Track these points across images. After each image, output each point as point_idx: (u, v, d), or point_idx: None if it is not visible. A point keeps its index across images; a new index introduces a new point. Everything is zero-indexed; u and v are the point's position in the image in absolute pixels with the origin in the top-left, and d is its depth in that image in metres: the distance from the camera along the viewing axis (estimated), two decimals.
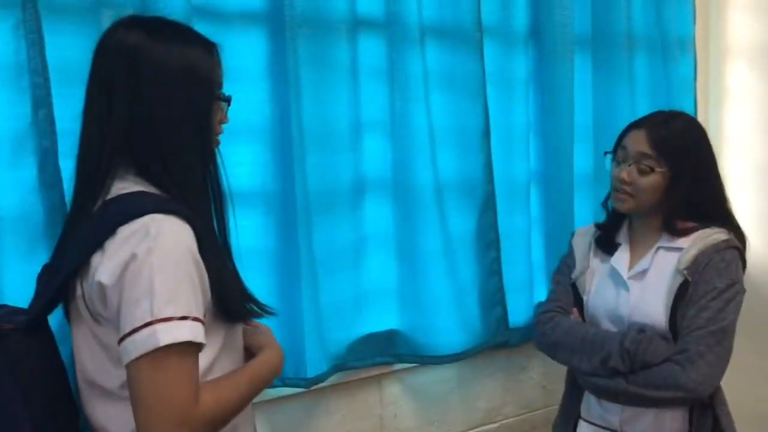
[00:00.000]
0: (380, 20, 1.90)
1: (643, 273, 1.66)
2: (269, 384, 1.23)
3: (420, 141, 1.94)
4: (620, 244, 1.74)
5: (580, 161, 2.25)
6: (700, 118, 2.61)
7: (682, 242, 1.63)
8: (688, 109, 2.53)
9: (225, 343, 1.13)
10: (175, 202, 1.05)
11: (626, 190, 1.65)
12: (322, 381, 1.80)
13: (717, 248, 1.59)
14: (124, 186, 1.07)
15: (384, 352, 1.96)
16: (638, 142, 1.64)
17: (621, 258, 1.71)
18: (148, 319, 0.96)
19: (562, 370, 1.89)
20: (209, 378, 1.08)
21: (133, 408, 0.97)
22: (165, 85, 1.06)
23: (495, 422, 2.27)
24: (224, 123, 1.20)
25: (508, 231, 2.13)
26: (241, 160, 1.71)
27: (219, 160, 1.19)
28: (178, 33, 1.13)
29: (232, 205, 1.21)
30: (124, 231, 1.00)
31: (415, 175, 1.94)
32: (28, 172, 1.43)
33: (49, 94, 1.41)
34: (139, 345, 0.96)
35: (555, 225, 2.20)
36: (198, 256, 1.03)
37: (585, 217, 2.25)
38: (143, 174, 1.08)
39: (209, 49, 1.15)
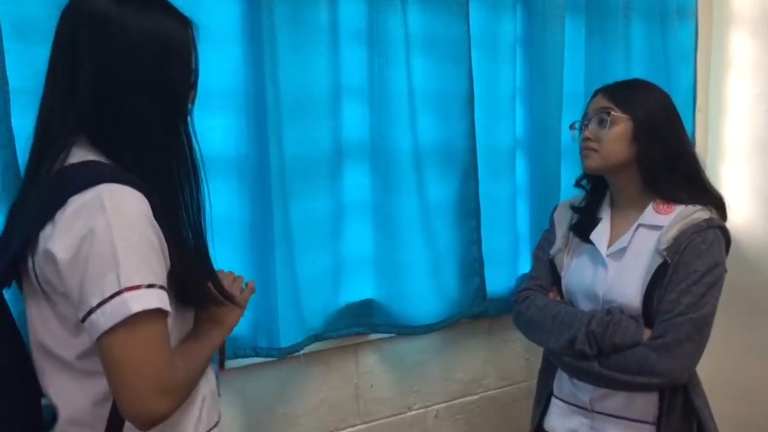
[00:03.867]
0: None
1: (622, 251, 1.69)
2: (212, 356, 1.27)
3: (400, 106, 1.96)
4: (600, 219, 1.77)
5: (569, 129, 2.27)
6: (700, 88, 2.65)
7: (663, 220, 1.65)
8: (687, 79, 2.58)
9: (174, 324, 1.15)
10: (131, 174, 1.07)
11: (590, 146, 1.70)
12: (296, 351, 1.86)
13: (698, 228, 1.60)
14: (81, 155, 1.09)
15: (359, 322, 2.02)
16: (597, 102, 1.73)
17: (601, 234, 1.74)
18: (116, 289, 0.98)
19: None
20: None
21: (110, 382, 1.01)
22: (134, 56, 1.07)
23: (475, 394, 2.35)
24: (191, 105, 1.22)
25: (491, 200, 2.17)
26: (214, 124, 1.74)
27: (193, 139, 1.19)
28: (153, 3, 1.13)
29: (205, 174, 1.22)
30: (76, 201, 1.02)
31: (394, 142, 1.97)
32: None
33: (0, 51, 1.42)
34: (109, 316, 0.98)
35: (541, 194, 2.24)
36: (155, 222, 1.05)
37: (572, 186, 2.26)
38: (103, 146, 1.10)
39: (185, 24, 1.15)
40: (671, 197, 1.66)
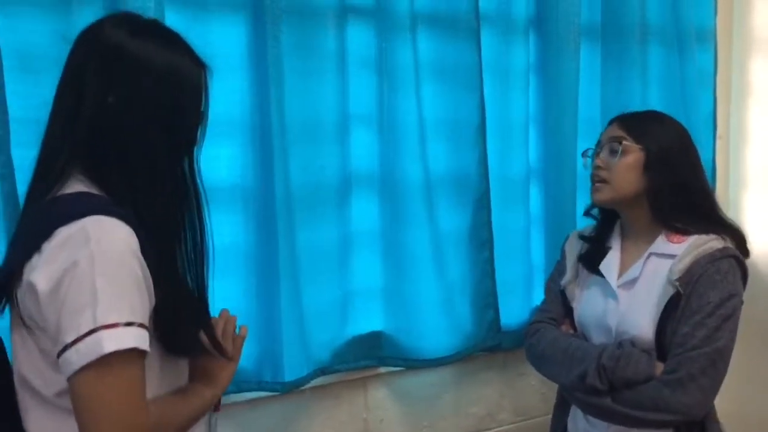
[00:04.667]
0: (369, 7, 1.91)
1: (633, 281, 1.65)
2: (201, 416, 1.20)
3: (410, 134, 1.95)
4: (610, 248, 1.73)
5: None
6: (720, 115, 2.60)
7: (676, 249, 1.60)
8: (706, 105, 2.53)
9: (160, 374, 1.11)
10: (122, 208, 1.05)
11: (601, 176, 1.67)
12: (302, 385, 1.83)
13: (712, 258, 1.55)
14: (76, 186, 1.07)
15: (368, 355, 1.99)
16: (611, 131, 1.70)
17: (611, 264, 1.69)
18: (92, 327, 0.96)
19: None
20: None
21: (78, 421, 0.98)
22: (143, 89, 1.05)
23: (489, 429, 2.29)
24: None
25: (504, 230, 2.14)
26: (219, 153, 1.73)
27: (198, 180, 1.16)
28: (167, 38, 1.11)
29: (208, 214, 1.19)
30: (63, 233, 1.00)
31: (403, 171, 1.95)
32: None
33: (1, 81, 1.43)
34: (83, 354, 0.96)
35: (555, 224, 2.20)
36: (141, 257, 1.02)
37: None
38: (99, 178, 1.07)
39: (199, 66, 1.13)
40: (683, 230, 1.62)
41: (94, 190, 1.06)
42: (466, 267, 2.09)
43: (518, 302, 2.20)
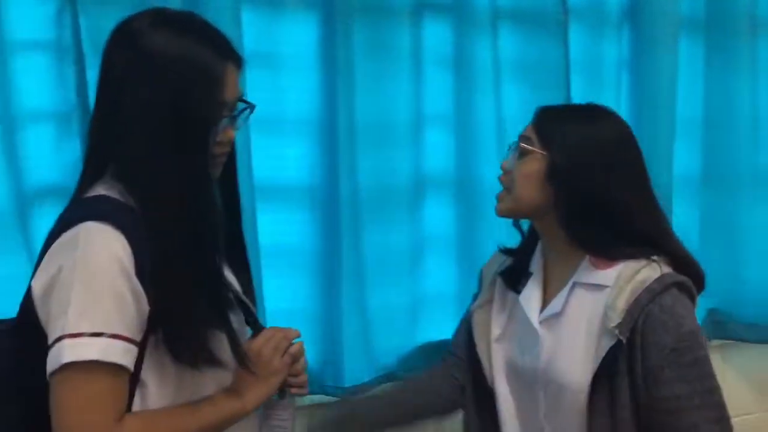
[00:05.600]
0: (447, 3, 1.87)
1: (557, 317, 1.34)
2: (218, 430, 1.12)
3: (487, 136, 1.90)
4: (531, 274, 1.42)
5: (682, 161, 2.12)
6: None
7: (603, 278, 1.29)
8: None
9: (179, 388, 1.07)
10: (127, 212, 1.02)
11: (503, 183, 1.40)
12: (365, 391, 1.80)
13: (651, 293, 1.24)
14: (101, 188, 1.06)
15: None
16: (526, 128, 1.41)
17: (531, 295, 1.39)
18: (59, 335, 0.94)
19: None
20: None
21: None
22: (154, 77, 1.02)
23: None
24: (229, 140, 1.13)
25: None
26: (288, 153, 1.74)
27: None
28: (191, 29, 1.07)
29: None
30: (63, 238, 1.00)
31: (480, 173, 1.89)
32: (70, 156, 1.51)
33: (84, 78, 1.48)
34: (50, 362, 0.95)
35: None
36: (130, 267, 0.98)
37: (689, 225, 2.12)
38: (120, 176, 1.05)
39: (223, 55, 1.07)
40: (605, 254, 1.31)
41: (115, 192, 1.04)
42: None
43: None
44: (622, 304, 1.24)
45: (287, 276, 1.72)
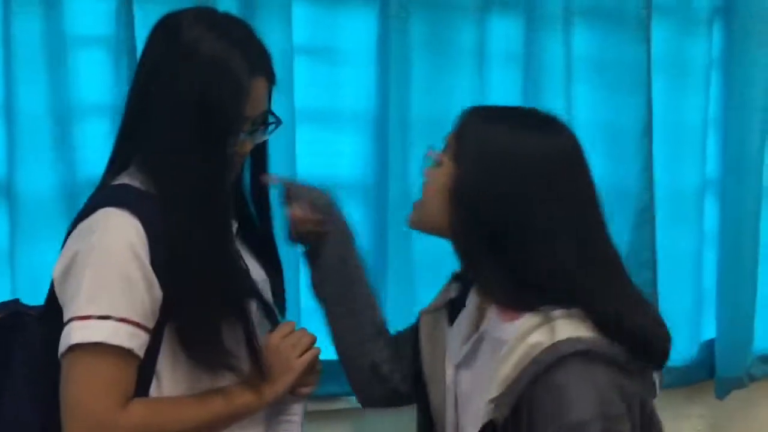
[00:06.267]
0: None
1: (464, 367, 1.11)
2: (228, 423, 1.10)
3: None
4: (464, 307, 1.17)
5: None
6: None
7: (506, 331, 1.02)
8: None
9: (193, 378, 1.06)
10: (144, 199, 1.03)
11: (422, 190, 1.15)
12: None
13: (538, 365, 0.95)
14: (125, 177, 1.08)
15: None
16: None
17: (458, 329, 1.15)
18: (70, 317, 0.97)
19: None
20: None
21: None
22: (180, 73, 1.02)
23: None
24: (244, 153, 1.12)
25: (671, 250, 1.94)
26: (342, 149, 1.74)
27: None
28: (230, 33, 1.06)
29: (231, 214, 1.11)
30: (81, 225, 1.03)
31: None
32: None
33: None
34: (61, 343, 0.97)
35: (734, 244, 1.98)
36: (143, 253, 0.99)
37: None
38: (142, 166, 1.06)
39: (252, 71, 1.05)
40: (508, 303, 1.03)
41: (137, 181, 1.06)
42: None
43: (684, 335, 1.96)
44: (507, 370, 0.97)
45: None
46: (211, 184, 1.04)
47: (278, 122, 1.13)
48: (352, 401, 1.70)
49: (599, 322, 0.97)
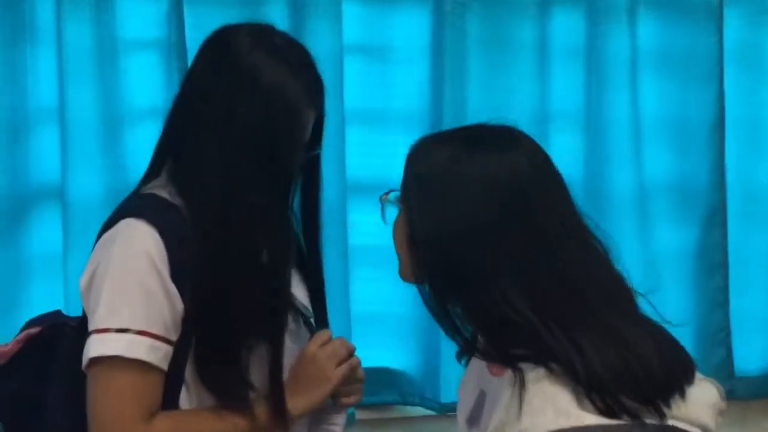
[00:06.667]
0: None
1: (474, 417, 0.95)
2: None
3: (621, 135, 1.78)
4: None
5: None
6: None
7: (494, 388, 0.88)
8: None
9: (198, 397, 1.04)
10: (166, 211, 1.01)
11: None
12: None
13: None
14: (155, 186, 1.07)
15: None
16: None
17: (468, 378, 0.98)
18: (90, 329, 0.97)
19: None
20: None
21: None
22: (232, 100, 1.00)
23: None
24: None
25: (744, 251, 1.87)
26: (394, 151, 1.63)
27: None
28: (290, 62, 1.03)
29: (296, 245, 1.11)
30: (105, 236, 1.02)
31: (612, 178, 1.77)
32: None
33: None
34: (83, 357, 0.97)
35: None
36: (162, 264, 0.98)
37: None
38: (175, 176, 1.04)
39: (311, 99, 1.04)
40: (482, 356, 0.89)
41: (164, 191, 1.04)
42: (690, 295, 1.84)
43: (759, 341, 1.88)
44: None
45: (382, 278, 1.66)
46: (255, 211, 1.01)
47: (318, 155, 1.11)
48: (404, 410, 1.74)
49: (577, 379, 0.79)
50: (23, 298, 1.55)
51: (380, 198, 0.98)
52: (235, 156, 1.00)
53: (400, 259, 0.95)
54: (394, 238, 0.96)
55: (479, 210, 0.85)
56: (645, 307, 1.54)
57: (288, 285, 1.07)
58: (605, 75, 1.75)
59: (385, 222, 0.98)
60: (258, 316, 1.03)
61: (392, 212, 0.96)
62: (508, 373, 0.82)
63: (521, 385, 0.80)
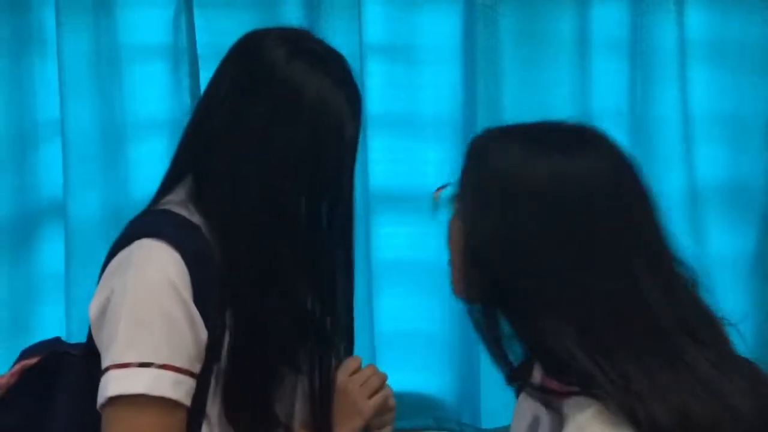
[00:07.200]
0: None
1: None
2: None
3: (670, 134, 1.70)
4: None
5: None
6: None
7: (557, 409, 0.81)
8: None
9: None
10: (189, 228, 0.95)
11: None
12: None
13: None
14: (170, 202, 1.00)
15: None
16: None
17: (524, 404, 0.90)
18: (107, 364, 0.90)
19: None
20: None
21: None
22: (282, 114, 0.94)
23: None
24: None
25: None
26: (426, 157, 1.64)
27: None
28: (330, 66, 0.98)
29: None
30: (117, 258, 0.95)
31: (660, 179, 1.64)
32: None
33: (198, 83, 1.46)
34: (99, 394, 0.90)
35: None
36: (184, 289, 0.91)
37: None
38: (200, 200, 0.98)
39: (355, 117, 0.98)
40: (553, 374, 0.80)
41: (182, 207, 0.98)
42: (746, 303, 1.74)
43: None
44: None
45: (413, 295, 1.61)
46: (298, 241, 0.96)
47: None
48: None
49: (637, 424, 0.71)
50: (29, 321, 1.50)
51: (433, 194, 0.91)
52: (276, 178, 0.94)
53: (452, 268, 0.86)
54: (449, 242, 0.87)
55: (541, 220, 0.76)
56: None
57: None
58: (651, 69, 1.68)
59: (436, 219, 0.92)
60: (292, 344, 0.98)
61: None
62: (565, 404, 0.76)
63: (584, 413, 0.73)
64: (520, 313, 0.77)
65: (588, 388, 0.73)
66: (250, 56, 0.98)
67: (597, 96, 1.68)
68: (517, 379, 0.83)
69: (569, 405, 0.75)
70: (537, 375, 0.83)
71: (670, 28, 1.66)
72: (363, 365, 1.08)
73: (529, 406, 0.86)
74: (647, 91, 1.68)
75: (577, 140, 0.81)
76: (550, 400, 0.78)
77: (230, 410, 0.94)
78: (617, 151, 0.81)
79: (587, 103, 1.67)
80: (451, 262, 0.86)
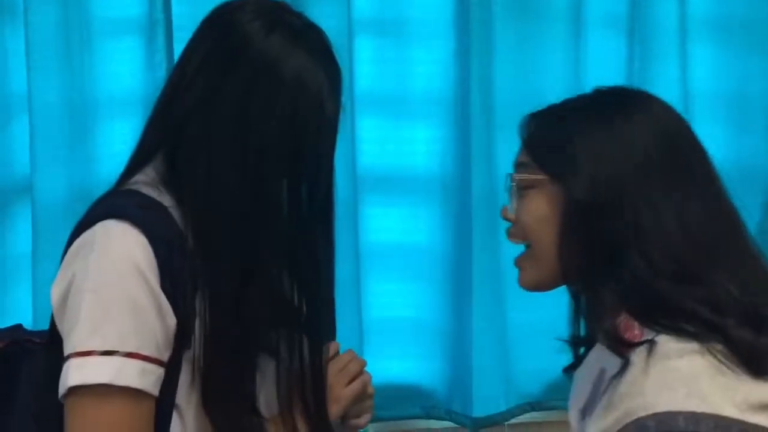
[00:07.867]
0: None
1: (590, 404, 0.91)
2: None
3: None
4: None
5: None
6: None
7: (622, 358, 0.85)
8: None
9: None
10: (156, 209, 0.91)
11: (515, 239, 0.95)
12: (500, 421, 1.59)
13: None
14: (137, 181, 0.95)
15: None
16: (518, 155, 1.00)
17: (586, 368, 0.94)
18: (69, 352, 0.86)
19: None
20: None
21: None
22: (252, 93, 0.91)
23: None
24: None
25: None
26: (415, 136, 1.60)
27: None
28: (310, 40, 0.95)
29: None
30: (79, 240, 0.91)
31: None
32: None
33: (172, 59, 1.40)
34: (60, 384, 0.86)
35: None
36: (150, 273, 0.87)
37: None
38: (171, 178, 0.93)
39: (335, 87, 0.95)
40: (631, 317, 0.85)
41: (149, 188, 0.93)
42: None
43: None
44: (609, 422, 0.80)
45: (403, 281, 1.58)
46: (277, 222, 0.93)
47: None
48: (420, 424, 1.63)
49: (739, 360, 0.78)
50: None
51: (511, 177, 0.94)
52: (255, 158, 0.90)
53: (535, 257, 0.91)
54: (523, 219, 0.92)
55: (648, 169, 0.86)
56: None
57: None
58: (651, 45, 1.66)
59: (506, 214, 0.95)
60: (270, 331, 0.95)
61: None
62: (641, 348, 0.80)
63: (654, 356, 0.78)
64: (638, 258, 0.82)
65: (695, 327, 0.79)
66: (225, 29, 0.93)
67: (593, 73, 1.63)
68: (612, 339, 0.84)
69: (640, 350, 0.79)
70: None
71: (671, 3, 1.63)
72: (352, 353, 1.06)
73: (593, 364, 0.90)
74: (645, 68, 1.66)
75: (649, 101, 0.93)
76: (624, 350, 0.81)
77: (208, 399, 0.90)
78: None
79: (583, 81, 1.62)
80: (535, 247, 0.90)
